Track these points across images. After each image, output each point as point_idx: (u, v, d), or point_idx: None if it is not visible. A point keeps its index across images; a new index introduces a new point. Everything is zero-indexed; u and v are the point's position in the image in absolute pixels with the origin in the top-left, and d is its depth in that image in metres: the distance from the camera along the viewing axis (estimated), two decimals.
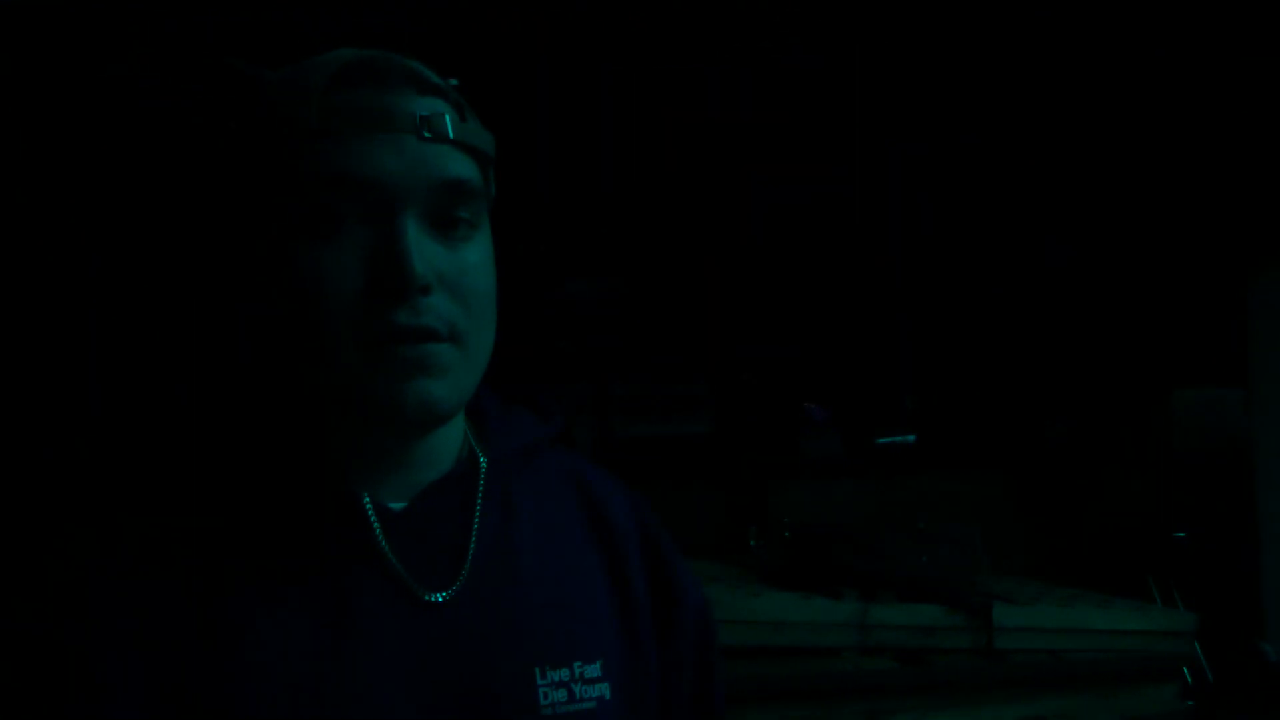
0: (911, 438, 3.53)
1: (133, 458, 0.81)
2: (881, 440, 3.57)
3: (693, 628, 0.86)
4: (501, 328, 0.75)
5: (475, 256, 0.72)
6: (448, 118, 0.69)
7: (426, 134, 0.68)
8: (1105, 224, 3.49)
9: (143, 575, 0.67)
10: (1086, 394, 3.70)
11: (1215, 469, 3.50)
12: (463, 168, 0.70)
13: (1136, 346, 3.50)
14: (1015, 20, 2.86)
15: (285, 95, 0.69)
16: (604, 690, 0.76)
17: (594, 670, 0.76)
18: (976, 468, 3.38)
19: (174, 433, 0.81)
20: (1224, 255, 3.38)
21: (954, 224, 3.53)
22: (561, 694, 0.74)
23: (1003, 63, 3.03)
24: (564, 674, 0.74)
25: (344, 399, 0.68)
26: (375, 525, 0.71)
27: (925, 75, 3.08)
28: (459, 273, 0.70)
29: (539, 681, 0.73)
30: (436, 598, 0.71)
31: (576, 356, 4.02)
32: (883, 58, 2.99)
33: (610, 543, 0.83)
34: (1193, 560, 3.40)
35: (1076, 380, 3.70)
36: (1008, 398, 3.66)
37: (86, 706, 0.64)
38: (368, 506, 0.71)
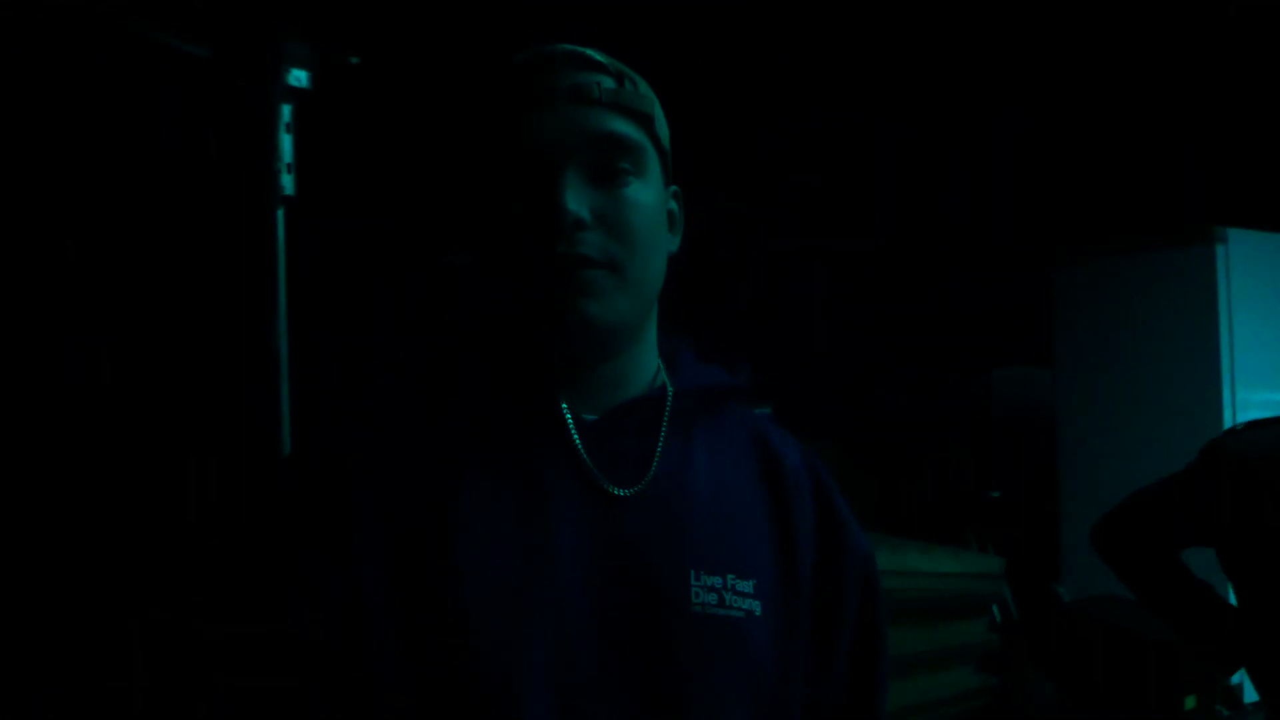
0: (768, 410, 4.01)
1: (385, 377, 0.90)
2: None
3: (858, 576, 0.92)
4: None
5: (635, 197, 0.82)
6: (600, 85, 0.82)
7: (578, 100, 0.81)
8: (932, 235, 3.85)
9: (390, 454, 0.81)
10: (915, 374, 4.13)
11: (1025, 437, 3.88)
12: (619, 125, 0.82)
13: (959, 333, 3.94)
14: None
15: (499, 84, 0.84)
16: (754, 606, 0.83)
17: (745, 586, 0.83)
18: (816, 438, 3.85)
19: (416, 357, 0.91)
20: (1033, 257, 3.73)
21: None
22: (712, 597, 0.81)
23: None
24: (716, 581, 0.82)
25: (538, 319, 0.81)
26: (572, 428, 0.82)
27: None
28: (617, 211, 0.81)
29: (692, 582, 0.81)
30: (620, 492, 0.81)
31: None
32: None
33: (779, 483, 0.90)
34: (1004, 516, 3.65)
35: (906, 362, 4.12)
36: (846, 377, 4.13)
37: (339, 542, 0.78)
38: (565, 412, 0.82)
